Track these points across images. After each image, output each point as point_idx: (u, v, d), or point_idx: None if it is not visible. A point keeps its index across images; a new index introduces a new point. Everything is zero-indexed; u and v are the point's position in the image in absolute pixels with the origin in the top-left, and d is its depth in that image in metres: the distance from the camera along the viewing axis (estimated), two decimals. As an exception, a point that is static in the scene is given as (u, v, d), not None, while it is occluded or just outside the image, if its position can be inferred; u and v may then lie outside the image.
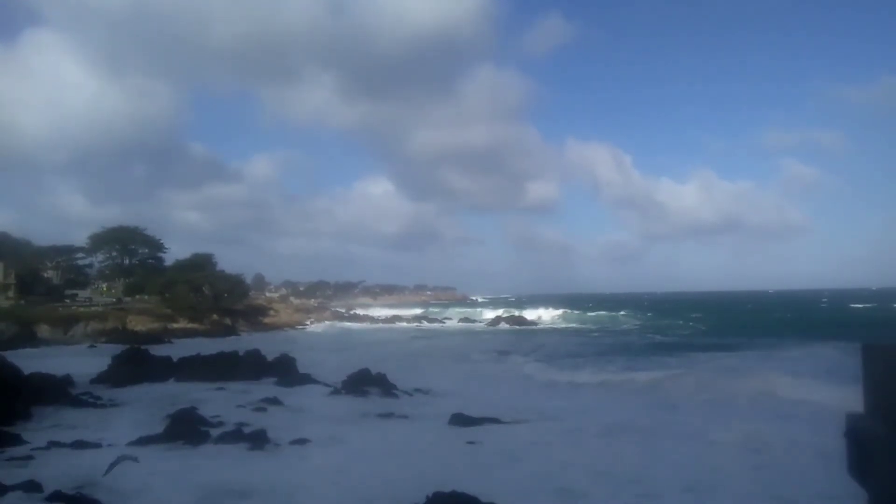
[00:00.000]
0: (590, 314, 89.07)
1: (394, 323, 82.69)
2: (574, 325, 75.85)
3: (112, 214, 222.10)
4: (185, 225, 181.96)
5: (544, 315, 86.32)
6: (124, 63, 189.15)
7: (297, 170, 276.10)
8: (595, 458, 13.81)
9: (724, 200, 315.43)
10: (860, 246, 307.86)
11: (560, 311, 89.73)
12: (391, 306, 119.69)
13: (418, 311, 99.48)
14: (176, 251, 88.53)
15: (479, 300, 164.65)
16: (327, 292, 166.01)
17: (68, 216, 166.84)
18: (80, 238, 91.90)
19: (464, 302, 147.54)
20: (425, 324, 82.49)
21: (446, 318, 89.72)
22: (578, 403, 21.80)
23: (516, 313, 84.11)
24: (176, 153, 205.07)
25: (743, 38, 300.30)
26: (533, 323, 77.79)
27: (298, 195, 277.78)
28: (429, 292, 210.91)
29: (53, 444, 15.07)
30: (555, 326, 75.16)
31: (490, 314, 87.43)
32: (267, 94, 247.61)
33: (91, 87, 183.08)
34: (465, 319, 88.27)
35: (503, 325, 75.61)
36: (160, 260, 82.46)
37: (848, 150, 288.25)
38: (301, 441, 15.54)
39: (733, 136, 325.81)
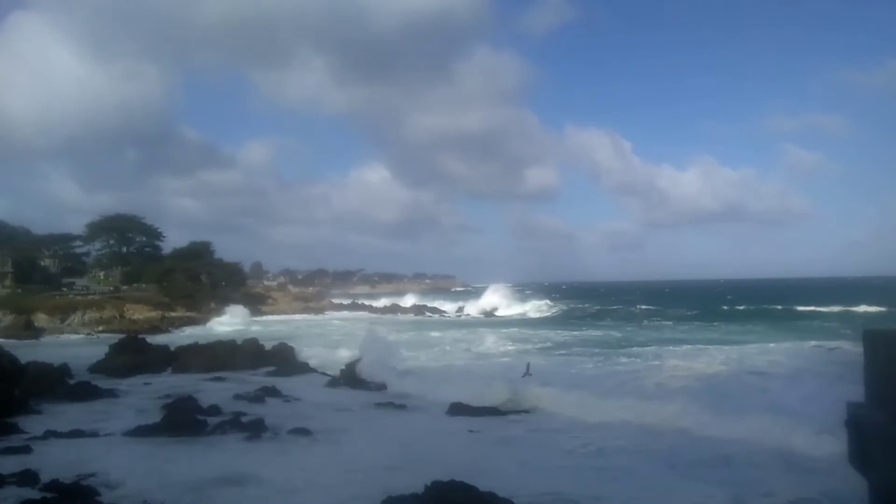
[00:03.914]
0: (582, 306, 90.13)
1: (395, 313, 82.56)
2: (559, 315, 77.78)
3: (105, 201, 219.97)
4: (180, 212, 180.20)
5: (540, 307, 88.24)
6: (113, 46, 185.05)
7: (292, 156, 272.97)
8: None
9: (726, 187, 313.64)
10: (863, 232, 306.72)
11: (545, 303, 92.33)
12: (390, 295, 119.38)
13: (417, 300, 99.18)
14: (172, 239, 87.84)
15: (478, 288, 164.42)
16: (326, 280, 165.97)
17: (61, 203, 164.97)
18: (72, 225, 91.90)
19: (461, 291, 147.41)
20: (426, 314, 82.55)
21: (444, 310, 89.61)
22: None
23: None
24: (168, 138, 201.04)
25: (744, 21, 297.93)
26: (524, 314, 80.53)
27: (294, 182, 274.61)
28: (428, 280, 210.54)
29: (50, 434, 15.05)
30: (548, 316, 76.82)
31: (487, 307, 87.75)
32: (259, 78, 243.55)
33: (80, 72, 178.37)
34: (463, 311, 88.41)
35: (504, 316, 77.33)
36: (158, 248, 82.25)
37: (851, 135, 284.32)
38: (299, 430, 15.50)
39: (735, 121, 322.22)
